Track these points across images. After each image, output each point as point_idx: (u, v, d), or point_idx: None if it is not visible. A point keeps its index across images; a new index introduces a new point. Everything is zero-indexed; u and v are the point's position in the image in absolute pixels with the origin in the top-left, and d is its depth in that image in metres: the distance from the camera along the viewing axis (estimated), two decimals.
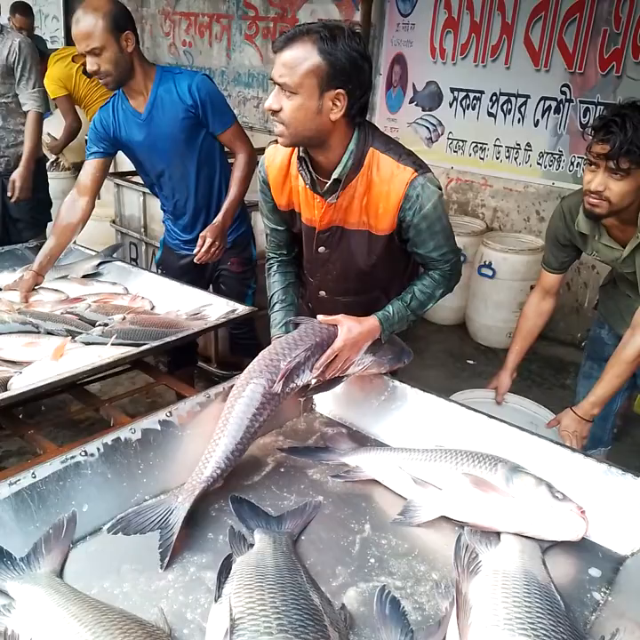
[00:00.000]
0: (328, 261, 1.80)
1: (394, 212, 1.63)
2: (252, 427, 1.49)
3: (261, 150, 4.66)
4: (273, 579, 1.10)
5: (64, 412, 2.52)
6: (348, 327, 1.62)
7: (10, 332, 2.04)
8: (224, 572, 1.15)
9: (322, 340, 1.60)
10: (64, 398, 2.22)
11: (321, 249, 1.77)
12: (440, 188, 1.66)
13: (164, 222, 2.78)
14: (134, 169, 2.73)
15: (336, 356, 1.61)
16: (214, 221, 2.43)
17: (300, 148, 1.63)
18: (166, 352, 2.67)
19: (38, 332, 2.07)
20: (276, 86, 1.49)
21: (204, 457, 1.44)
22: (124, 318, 2.13)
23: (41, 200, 3.77)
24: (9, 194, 3.53)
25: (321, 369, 1.60)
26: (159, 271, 2.75)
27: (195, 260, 2.42)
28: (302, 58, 1.45)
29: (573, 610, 1.19)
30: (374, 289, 1.88)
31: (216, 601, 1.09)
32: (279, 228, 1.86)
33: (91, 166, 2.48)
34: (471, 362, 4.18)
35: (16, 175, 3.49)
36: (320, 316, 1.67)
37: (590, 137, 1.78)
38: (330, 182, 1.62)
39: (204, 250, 2.37)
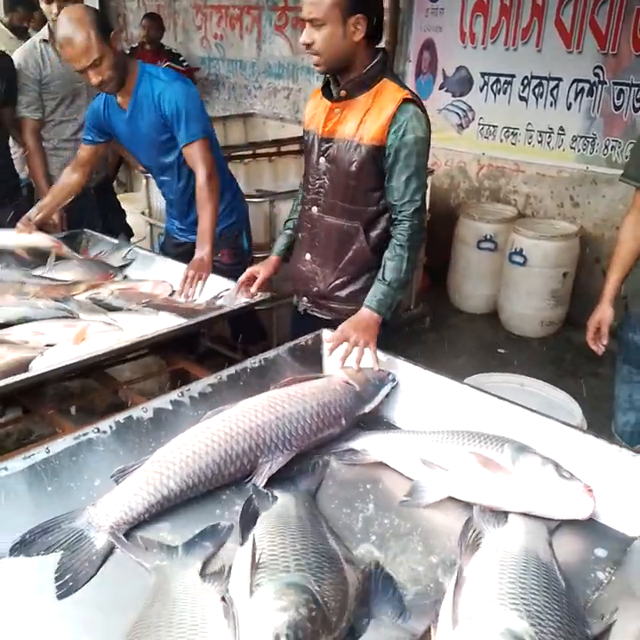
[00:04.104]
0: (324, 174, 1.99)
1: (383, 126, 1.83)
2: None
3: (292, 140, 4.60)
4: (295, 526, 1.20)
5: (92, 396, 2.58)
6: (345, 322, 1.81)
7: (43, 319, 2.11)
8: (246, 516, 1.27)
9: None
10: (92, 384, 2.28)
11: (321, 160, 1.97)
12: (427, 137, 1.86)
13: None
14: None
15: (349, 343, 1.74)
16: (195, 256, 2.39)
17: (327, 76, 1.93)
18: (236, 330, 2.80)
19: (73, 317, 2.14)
20: (307, 24, 1.76)
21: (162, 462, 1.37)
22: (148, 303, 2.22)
23: None
24: None
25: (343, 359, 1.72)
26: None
27: (178, 295, 2.34)
28: None
29: (575, 588, 1.18)
30: (354, 217, 1.98)
31: (241, 545, 1.18)
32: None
33: (83, 150, 2.69)
34: (502, 350, 4.12)
35: None
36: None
37: None
38: (339, 88, 1.89)
39: (187, 284, 2.32)
